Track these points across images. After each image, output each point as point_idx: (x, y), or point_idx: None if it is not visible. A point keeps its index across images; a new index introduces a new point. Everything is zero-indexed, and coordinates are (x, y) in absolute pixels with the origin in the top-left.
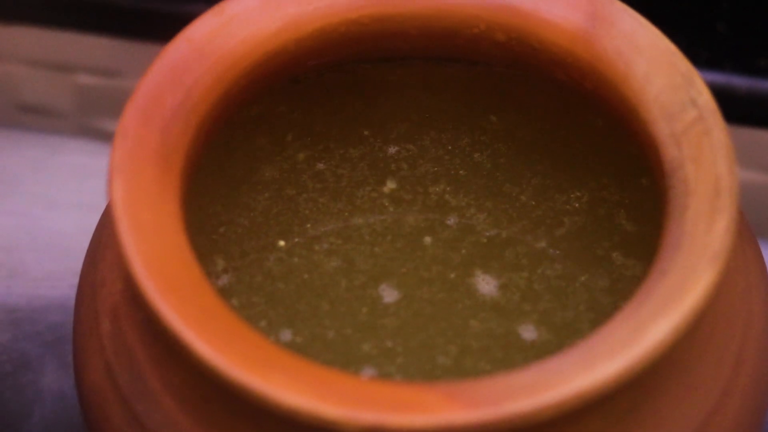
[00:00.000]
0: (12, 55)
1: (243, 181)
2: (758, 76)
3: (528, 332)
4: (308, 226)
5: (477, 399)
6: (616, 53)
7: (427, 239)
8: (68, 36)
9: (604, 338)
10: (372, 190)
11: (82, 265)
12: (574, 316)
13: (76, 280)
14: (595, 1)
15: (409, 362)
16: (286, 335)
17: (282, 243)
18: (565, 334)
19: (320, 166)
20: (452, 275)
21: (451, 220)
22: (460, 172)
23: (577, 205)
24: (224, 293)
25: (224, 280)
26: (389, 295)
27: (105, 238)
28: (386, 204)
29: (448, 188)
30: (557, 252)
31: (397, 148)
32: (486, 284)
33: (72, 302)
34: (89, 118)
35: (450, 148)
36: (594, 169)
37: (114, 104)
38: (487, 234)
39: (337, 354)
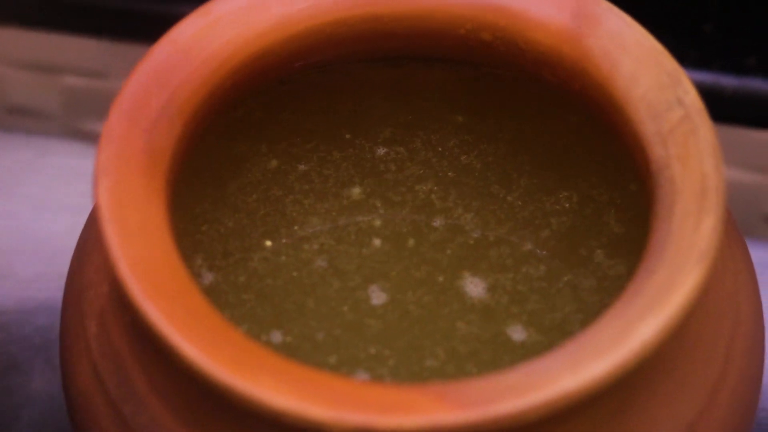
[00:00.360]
0: None
1: (229, 182)
2: (746, 76)
3: (517, 333)
4: (296, 228)
5: (465, 400)
6: (603, 53)
7: (415, 241)
8: (55, 37)
9: (591, 338)
10: (360, 191)
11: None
12: (564, 316)
13: (64, 283)
14: (581, 1)
15: (400, 364)
16: (276, 336)
17: (269, 243)
18: (554, 334)
19: (307, 167)
20: (440, 277)
21: (439, 222)
22: (448, 173)
23: (567, 205)
24: (211, 293)
25: (209, 278)
26: (377, 297)
27: (91, 240)
28: (374, 205)
29: (435, 189)
30: (545, 253)
31: (384, 149)
32: (474, 286)
33: (60, 304)
34: (76, 120)
35: (438, 149)
36: (582, 170)
37: (101, 106)
38: (475, 235)
39: (328, 356)
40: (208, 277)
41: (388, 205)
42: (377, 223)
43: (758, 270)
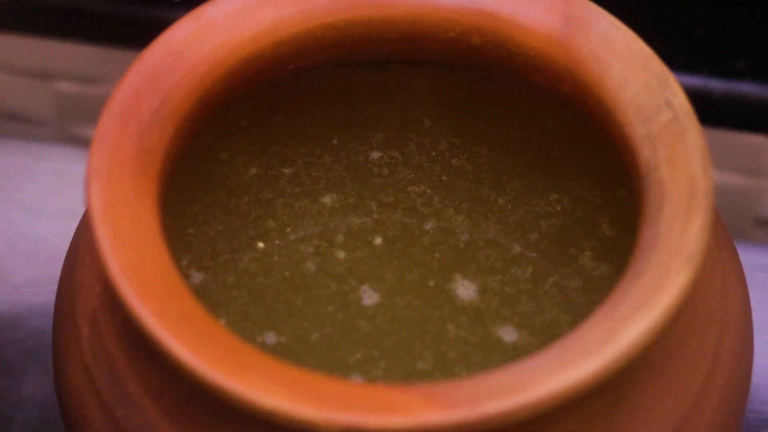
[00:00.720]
0: None
1: (221, 185)
2: (735, 79)
3: (508, 335)
4: (287, 230)
5: (454, 400)
6: (592, 56)
7: (407, 243)
8: (48, 43)
9: (579, 338)
10: (352, 194)
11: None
12: (556, 318)
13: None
14: (570, 5)
15: (393, 366)
16: (269, 337)
17: (261, 245)
18: (545, 336)
19: (298, 170)
20: (431, 279)
21: (430, 224)
22: (440, 176)
23: (558, 207)
24: (203, 294)
25: (199, 279)
26: (369, 297)
27: (83, 243)
28: (365, 208)
29: (427, 192)
30: (535, 255)
31: (376, 152)
32: (465, 289)
33: (53, 308)
34: (69, 125)
35: (429, 152)
36: (574, 172)
37: (94, 111)
38: (466, 238)
39: (321, 357)
40: (198, 278)
41: (379, 207)
42: (369, 225)
43: (748, 272)
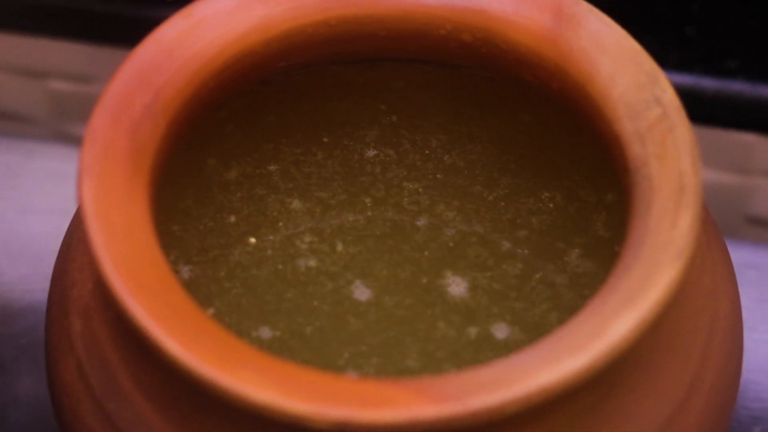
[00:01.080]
0: None
1: (214, 181)
2: (726, 78)
3: (500, 331)
4: (280, 225)
5: (443, 394)
6: (582, 53)
7: (399, 239)
8: (41, 42)
9: (568, 334)
10: (342, 190)
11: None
12: (548, 315)
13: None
14: (560, 2)
15: (385, 361)
16: (262, 332)
17: (253, 240)
18: (536, 332)
19: (291, 166)
20: (423, 276)
21: (423, 221)
22: (432, 173)
23: (551, 204)
24: (194, 290)
25: (190, 273)
26: (362, 293)
27: (76, 239)
28: (358, 204)
29: (419, 189)
30: (526, 252)
31: (368, 150)
32: (456, 286)
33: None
34: (63, 124)
35: (421, 149)
36: (566, 169)
37: (87, 110)
38: (458, 235)
39: (313, 353)
40: (190, 273)
41: (372, 204)
42: (361, 222)
43: (739, 270)
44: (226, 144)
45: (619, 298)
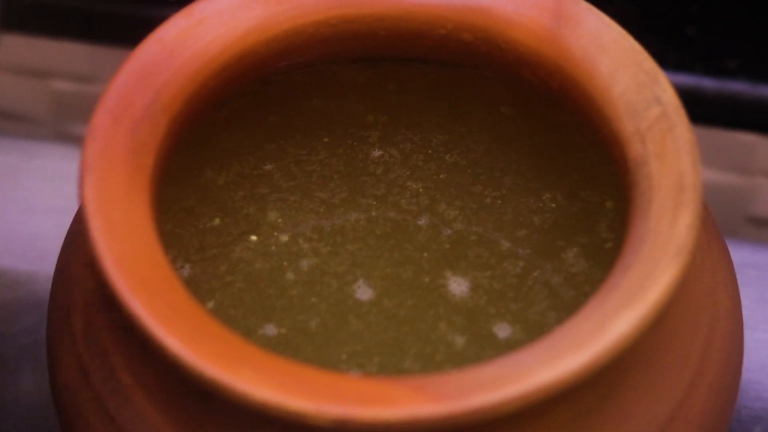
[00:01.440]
0: None
1: (216, 180)
2: (727, 78)
3: (502, 331)
4: (282, 224)
5: (443, 392)
6: (582, 52)
7: (401, 239)
8: (43, 42)
9: (568, 332)
10: (344, 190)
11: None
12: (549, 314)
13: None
14: (560, 1)
15: (386, 360)
16: (264, 330)
17: (254, 238)
18: (538, 332)
19: (293, 165)
20: (425, 275)
21: (424, 220)
22: (434, 172)
23: (553, 204)
24: (196, 288)
25: (191, 271)
26: (364, 292)
27: (77, 238)
28: (358, 204)
29: (421, 188)
30: (528, 251)
31: (369, 149)
32: (457, 285)
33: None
34: (65, 124)
35: (422, 148)
36: (566, 168)
37: (89, 109)
38: (460, 234)
39: (314, 351)
40: (191, 271)
41: (374, 203)
42: (363, 221)
43: (740, 270)
44: (228, 143)
45: (619, 297)
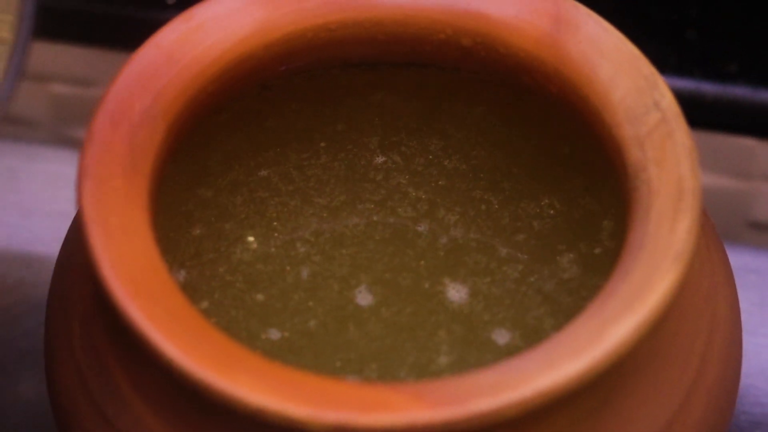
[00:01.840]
0: None
1: (214, 184)
2: (726, 83)
3: (501, 337)
4: (282, 228)
5: (441, 398)
6: (581, 57)
7: (401, 244)
8: (43, 46)
9: (567, 338)
10: (344, 195)
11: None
12: (548, 320)
13: None
14: (559, 6)
15: (386, 366)
16: (264, 335)
17: (251, 238)
18: (537, 338)
19: (290, 170)
20: (425, 281)
21: (424, 226)
22: (433, 177)
23: (551, 210)
24: (194, 292)
25: (188, 276)
26: (364, 298)
27: (75, 242)
28: (358, 209)
29: (420, 193)
30: (527, 257)
31: (369, 153)
32: (456, 292)
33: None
34: (64, 127)
35: (421, 153)
36: (566, 173)
37: (88, 113)
38: (459, 240)
39: (313, 357)
40: (187, 275)
41: (373, 208)
42: (362, 227)
43: (739, 274)
44: (227, 148)
45: (617, 303)
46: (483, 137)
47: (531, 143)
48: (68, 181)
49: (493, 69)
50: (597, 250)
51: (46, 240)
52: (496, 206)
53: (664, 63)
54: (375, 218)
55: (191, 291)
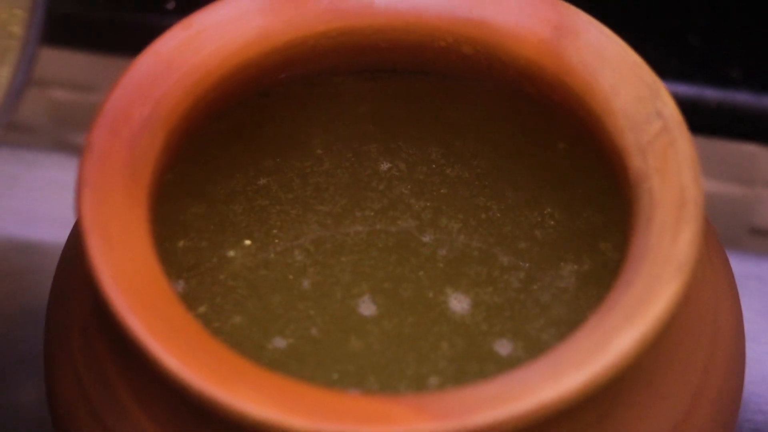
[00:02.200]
0: None
1: (214, 193)
2: (729, 88)
3: (503, 348)
4: (282, 236)
5: (443, 411)
6: (583, 65)
7: (403, 254)
8: (43, 51)
9: (569, 349)
10: (345, 203)
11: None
12: (551, 330)
13: None
14: (561, 14)
15: (388, 376)
16: (264, 344)
17: (254, 250)
18: (540, 348)
19: (290, 178)
20: (427, 291)
21: (428, 236)
22: (435, 185)
23: (552, 222)
24: (194, 302)
25: (188, 286)
26: (367, 308)
27: (74, 251)
28: (359, 217)
29: (422, 202)
30: (529, 266)
31: (369, 161)
32: (458, 302)
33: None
34: (64, 133)
35: (423, 161)
36: (568, 182)
37: (88, 119)
38: (461, 249)
39: (314, 368)
40: (187, 285)
41: (375, 216)
42: (364, 235)
43: (741, 281)
44: (226, 156)
45: (620, 314)
46: (484, 145)
47: (532, 151)
48: (68, 186)
49: (494, 77)
50: (599, 260)
51: (46, 246)
52: (498, 215)
53: (666, 68)
54: (378, 227)
55: (191, 300)
